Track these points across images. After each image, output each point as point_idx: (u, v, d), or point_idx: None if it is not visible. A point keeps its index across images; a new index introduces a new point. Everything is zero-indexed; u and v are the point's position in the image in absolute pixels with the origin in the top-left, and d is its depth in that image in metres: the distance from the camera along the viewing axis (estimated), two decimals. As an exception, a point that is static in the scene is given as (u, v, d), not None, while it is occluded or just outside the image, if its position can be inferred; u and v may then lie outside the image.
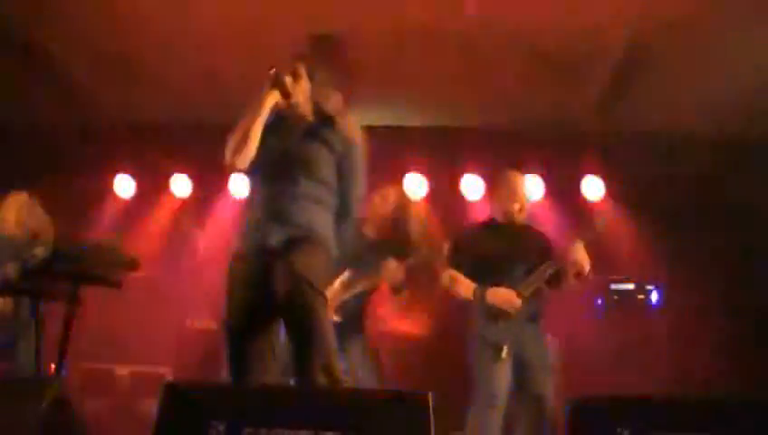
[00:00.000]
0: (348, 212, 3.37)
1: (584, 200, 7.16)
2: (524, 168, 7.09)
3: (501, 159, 6.99)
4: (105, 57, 6.08)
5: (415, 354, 6.33)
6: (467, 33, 5.65)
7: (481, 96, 6.76)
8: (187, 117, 6.73)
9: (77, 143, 7.06)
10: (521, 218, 4.50)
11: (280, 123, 3.35)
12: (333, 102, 3.43)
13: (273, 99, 3.26)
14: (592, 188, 7.19)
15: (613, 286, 6.43)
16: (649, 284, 6.46)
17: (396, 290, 4.53)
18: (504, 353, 4.10)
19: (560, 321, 5.76)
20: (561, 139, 7.00)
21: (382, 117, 7.24)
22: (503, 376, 4.11)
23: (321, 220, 3.25)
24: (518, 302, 4.19)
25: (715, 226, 6.54)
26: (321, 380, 2.85)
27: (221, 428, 2.01)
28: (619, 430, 2.02)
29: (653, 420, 2.02)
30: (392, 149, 7.25)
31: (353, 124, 3.43)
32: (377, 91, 6.75)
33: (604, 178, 7.16)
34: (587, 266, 4.24)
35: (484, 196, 7.06)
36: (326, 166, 3.30)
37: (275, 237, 3.13)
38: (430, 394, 1.93)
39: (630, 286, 6.43)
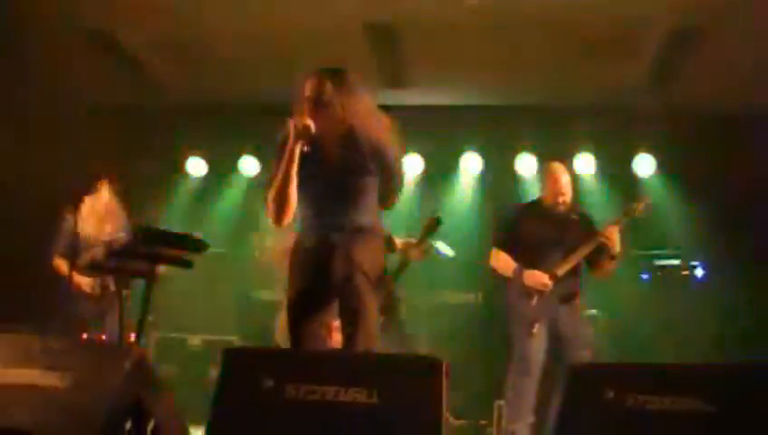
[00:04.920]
0: (389, 197, 3.61)
1: (635, 177, 7.28)
2: (577, 145, 7.33)
3: (554, 137, 7.19)
4: (175, 43, 6.45)
5: (466, 327, 6.63)
6: (520, 12, 5.77)
7: (534, 74, 6.91)
8: (255, 99, 7.05)
9: (152, 127, 7.55)
10: (565, 207, 4.80)
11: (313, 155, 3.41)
12: (361, 109, 3.46)
13: (298, 149, 3.33)
14: (644, 164, 7.28)
15: (658, 262, 6.59)
16: (695, 260, 6.58)
17: None
18: (534, 330, 4.46)
19: (606, 296, 6.03)
20: (613, 115, 7.10)
21: (438, 98, 7.51)
22: (536, 348, 4.49)
23: (372, 213, 3.52)
24: (550, 282, 4.54)
25: (764, 204, 6.55)
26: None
27: (269, 384, 2.45)
28: (606, 391, 2.36)
29: (635, 384, 2.34)
30: (448, 129, 7.53)
31: (383, 129, 3.50)
32: (433, 73, 6.99)
33: (656, 154, 7.25)
34: (617, 248, 4.57)
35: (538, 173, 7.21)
36: (367, 175, 3.46)
37: (335, 235, 3.42)
38: (445, 361, 2.27)
39: (676, 262, 6.58)
